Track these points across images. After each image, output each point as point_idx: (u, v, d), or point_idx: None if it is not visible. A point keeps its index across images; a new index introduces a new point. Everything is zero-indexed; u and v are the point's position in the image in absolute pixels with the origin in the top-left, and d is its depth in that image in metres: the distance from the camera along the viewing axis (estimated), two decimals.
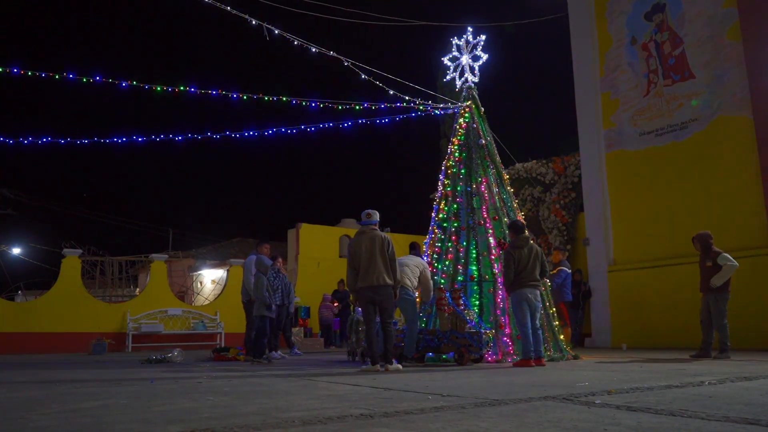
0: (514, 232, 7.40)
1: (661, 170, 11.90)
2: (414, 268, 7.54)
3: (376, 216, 6.80)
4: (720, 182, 10.89)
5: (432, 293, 7.75)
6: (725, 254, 7.83)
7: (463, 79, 9.28)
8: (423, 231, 9.00)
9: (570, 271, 11.15)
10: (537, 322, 7.13)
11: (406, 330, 7.44)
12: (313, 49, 8.31)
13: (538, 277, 7.16)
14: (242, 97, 9.45)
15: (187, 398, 3.83)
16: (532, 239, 7.60)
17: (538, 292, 7.15)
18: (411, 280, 7.43)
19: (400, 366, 6.39)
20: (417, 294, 7.68)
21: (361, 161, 54.53)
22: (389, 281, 6.47)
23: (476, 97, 9.22)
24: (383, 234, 6.66)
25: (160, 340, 13.90)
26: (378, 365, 6.21)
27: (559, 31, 14.85)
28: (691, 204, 11.23)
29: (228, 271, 16.25)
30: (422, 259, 7.99)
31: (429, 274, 7.72)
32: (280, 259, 10.65)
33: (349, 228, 18.90)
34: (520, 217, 8.79)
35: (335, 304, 15.10)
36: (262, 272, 8.95)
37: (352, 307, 11.19)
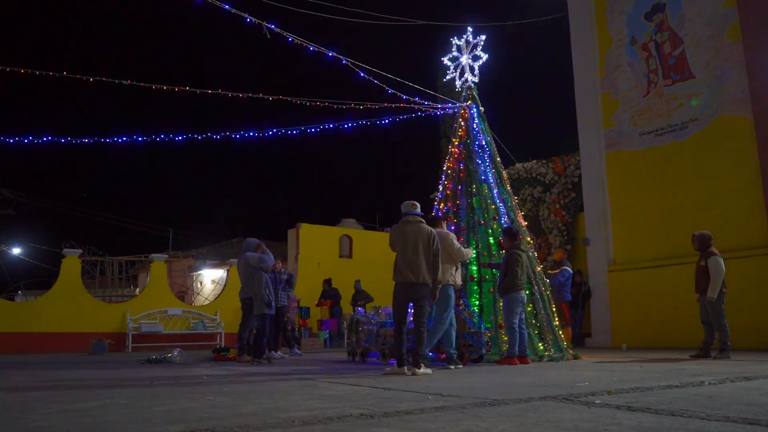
0: (511, 239, 7.44)
1: (661, 170, 11.89)
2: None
3: (419, 208, 6.25)
4: (720, 182, 10.88)
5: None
6: (716, 257, 7.79)
7: (463, 79, 9.27)
8: None
9: (571, 270, 11.16)
10: (523, 323, 7.25)
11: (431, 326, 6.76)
12: (311, 48, 8.30)
13: None
14: (242, 96, 9.46)
15: (187, 398, 3.83)
16: (531, 240, 7.66)
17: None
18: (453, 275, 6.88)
19: (429, 371, 5.73)
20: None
21: (361, 161, 54.55)
22: (429, 280, 5.95)
23: (476, 97, 9.22)
24: (430, 228, 6.12)
25: (160, 340, 13.89)
26: (405, 368, 5.71)
27: (559, 31, 14.86)
28: (691, 204, 11.23)
29: (228, 271, 16.25)
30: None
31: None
32: (279, 260, 10.63)
33: (349, 228, 18.89)
34: (520, 217, 8.80)
35: (328, 304, 15.02)
36: (263, 270, 8.93)
37: (351, 309, 11.18)
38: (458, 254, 6.82)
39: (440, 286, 6.19)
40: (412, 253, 5.90)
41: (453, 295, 6.81)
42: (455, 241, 6.95)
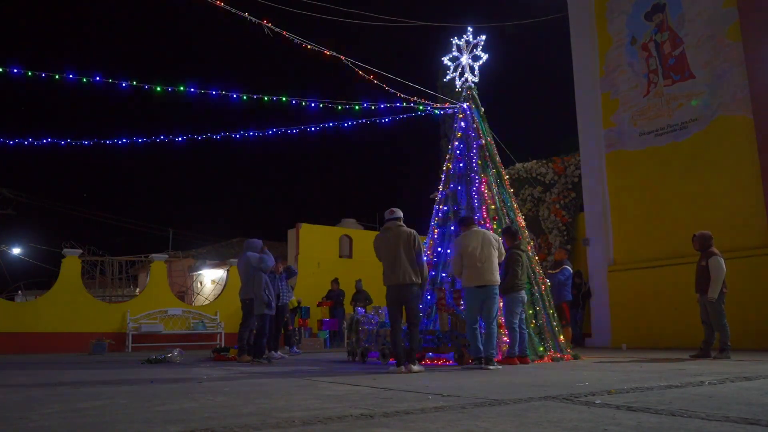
0: (511, 238, 7.43)
1: (661, 170, 11.89)
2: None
3: (399, 212, 6.55)
4: (720, 182, 10.88)
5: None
6: (717, 257, 7.77)
7: (463, 79, 9.27)
8: (423, 231, 8.97)
9: (571, 270, 11.16)
10: (523, 323, 7.24)
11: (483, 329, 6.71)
12: (310, 47, 8.29)
13: None
14: (242, 97, 9.45)
15: (187, 398, 3.83)
16: (530, 242, 7.66)
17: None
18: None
19: (422, 368, 6.09)
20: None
21: (361, 161, 54.61)
22: (415, 280, 6.16)
23: (476, 97, 9.22)
24: (409, 229, 6.38)
25: (160, 340, 13.89)
26: (402, 367, 5.95)
27: (559, 31, 14.87)
28: (691, 204, 11.23)
29: (228, 271, 16.25)
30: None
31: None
32: (279, 262, 10.62)
33: (349, 228, 18.89)
34: (520, 218, 8.80)
35: (329, 304, 15.02)
36: (263, 271, 8.93)
37: (352, 308, 11.19)
38: (502, 255, 6.97)
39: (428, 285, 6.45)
40: (395, 257, 6.20)
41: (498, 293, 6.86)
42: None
